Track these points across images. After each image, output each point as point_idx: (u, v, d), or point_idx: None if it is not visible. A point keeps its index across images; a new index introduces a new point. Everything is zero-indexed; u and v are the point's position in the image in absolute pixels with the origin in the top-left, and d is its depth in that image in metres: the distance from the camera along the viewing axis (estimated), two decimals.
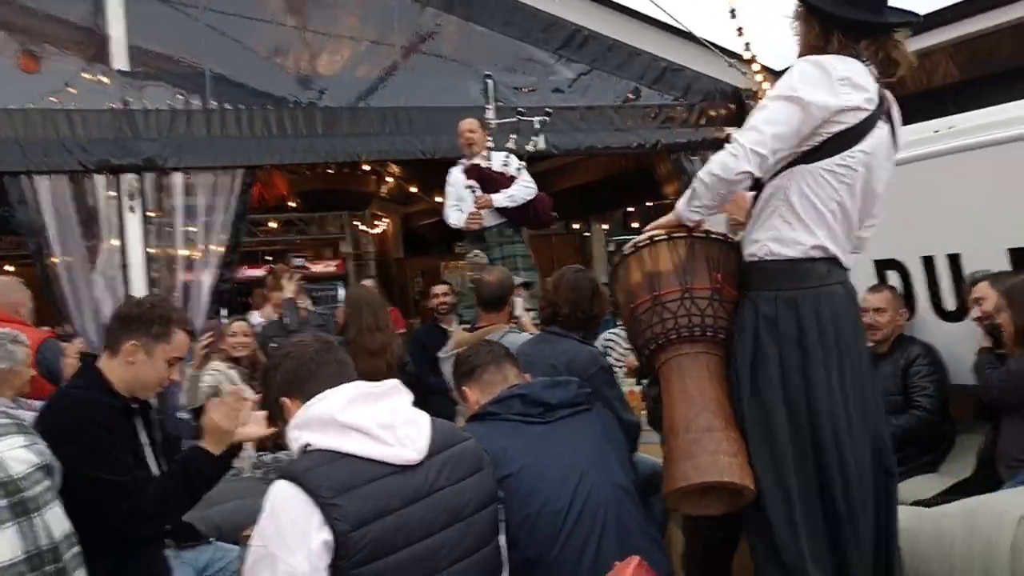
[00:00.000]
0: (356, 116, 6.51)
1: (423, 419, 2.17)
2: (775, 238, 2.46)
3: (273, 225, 10.14)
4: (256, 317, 6.30)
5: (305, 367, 2.18)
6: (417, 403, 2.24)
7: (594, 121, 7.16)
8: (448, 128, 6.39)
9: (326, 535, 1.88)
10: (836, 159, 2.37)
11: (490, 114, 5.82)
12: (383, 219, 12.64)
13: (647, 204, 10.71)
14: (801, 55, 2.50)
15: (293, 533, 1.90)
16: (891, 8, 2.47)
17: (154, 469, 2.68)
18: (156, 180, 5.98)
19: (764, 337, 2.46)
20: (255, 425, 2.57)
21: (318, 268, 10.13)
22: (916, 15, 2.49)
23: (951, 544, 2.48)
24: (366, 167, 10.02)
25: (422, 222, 11.84)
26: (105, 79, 6.02)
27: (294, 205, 10.58)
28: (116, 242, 5.85)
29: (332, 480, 1.93)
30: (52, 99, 5.86)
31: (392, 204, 12.74)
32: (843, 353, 2.42)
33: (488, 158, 5.70)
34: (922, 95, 6.74)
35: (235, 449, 2.60)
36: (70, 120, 5.74)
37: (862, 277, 4.29)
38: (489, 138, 5.76)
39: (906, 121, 4.92)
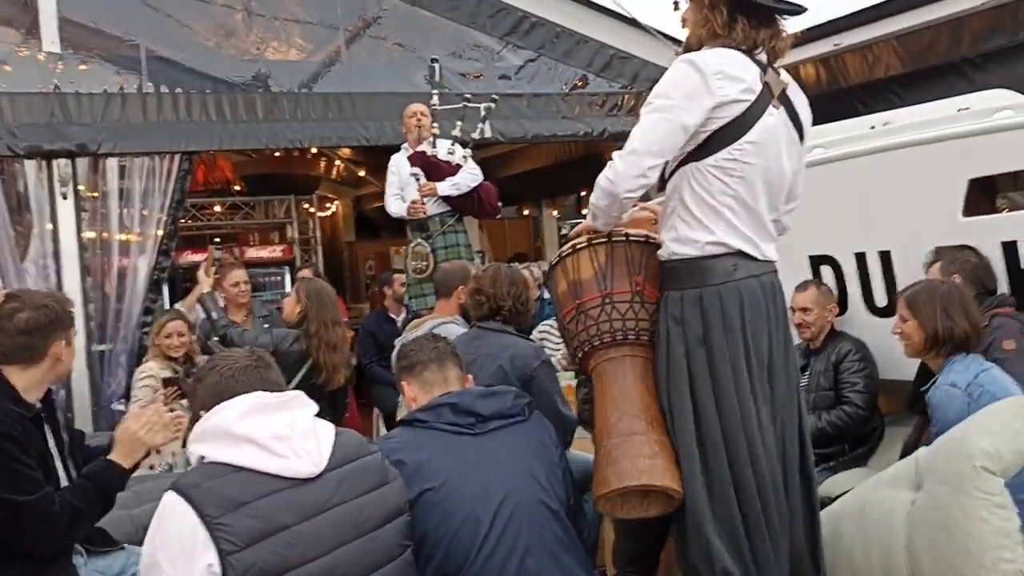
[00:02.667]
0: (298, 101, 6.39)
1: (324, 431, 2.13)
2: (675, 238, 2.49)
3: (218, 209, 9.96)
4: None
5: (227, 384, 2.13)
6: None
7: (541, 109, 7.12)
8: (392, 114, 6.31)
9: (211, 555, 1.84)
10: (723, 154, 2.38)
11: (436, 100, 5.74)
12: (334, 202, 12.48)
13: None
14: (688, 45, 2.50)
15: (178, 549, 1.87)
16: None
17: (62, 476, 2.62)
18: (90, 164, 5.82)
19: (673, 337, 2.48)
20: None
21: (264, 253, 9.96)
22: (801, 6, 2.51)
23: (850, 550, 2.52)
24: (313, 150, 9.87)
25: (373, 205, 11.71)
26: (41, 57, 5.84)
27: (239, 188, 10.40)
28: (48, 227, 5.69)
29: (221, 497, 1.89)
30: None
31: (343, 187, 12.57)
32: (752, 349, 2.43)
33: (433, 145, 5.63)
34: (865, 87, 6.85)
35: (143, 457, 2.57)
36: None
37: (797, 272, 4.34)
38: (435, 124, 5.69)
39: (848, 113, 5.01)
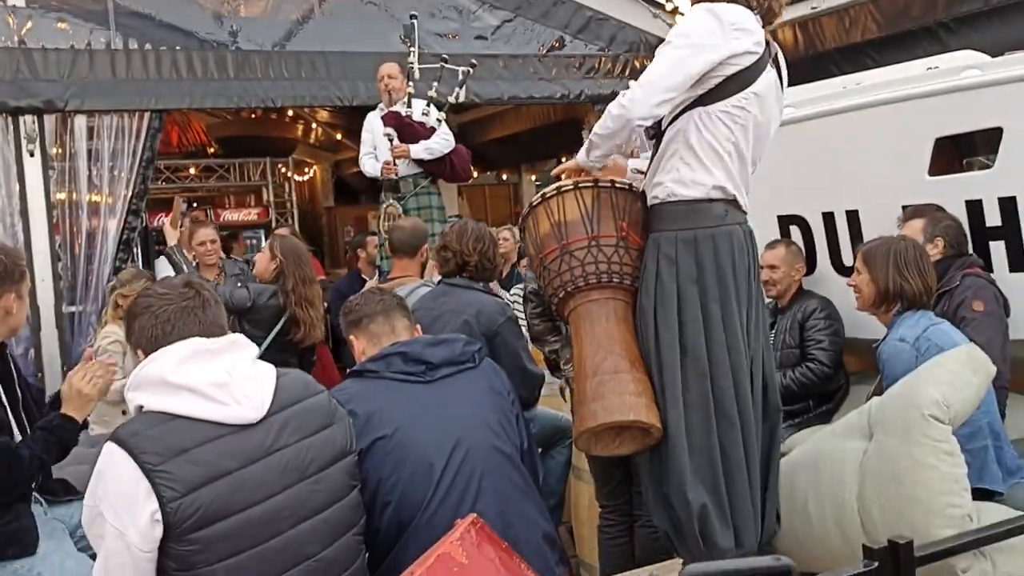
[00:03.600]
0: (270, 60, 6.30)
1: (265, 375, 2.11)
2: (676, 180, 2.53)
3: (192, 171, 9.86)
4: (164, 265, 6.12)
5: (161, 327, 2.07)
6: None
7: (518, 70, 7.06)
8: (366, 74, 6.24)
9: (153, 503, 1.83)
10: (731, 100, 2.45)
11: (413, 59, 5.66)
12: (312, 167, 12.39)
13: None
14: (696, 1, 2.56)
15: (120, 498, 1.86)
16: None
17: (15, 429, 2.62)
18: (58, 122, 5.74)
19: (664, 276, 2.52)
20: None
21: (239, 216, 9.90)
22: None
23: (804, 501, 2.54)
24: (290, 113, 9.78)
25: (352, 170, 11.62)
26: (6, 12, 5.73)
27: (214, 151, 10.30)
28: (15, 186, 5.62)
29: (161, 444, 1.87)
30: None
31: (321, 151, 12.49)
32: (738, 292, 2.50)
33: (408, 105, 5.58)
34: (841, 51, 6.84)
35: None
36: None
37: (766, 231, 4.35)
38: (410, 84, 5.63)
39: (825, 77, 4.99)
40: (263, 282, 4.61)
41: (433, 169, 5.50)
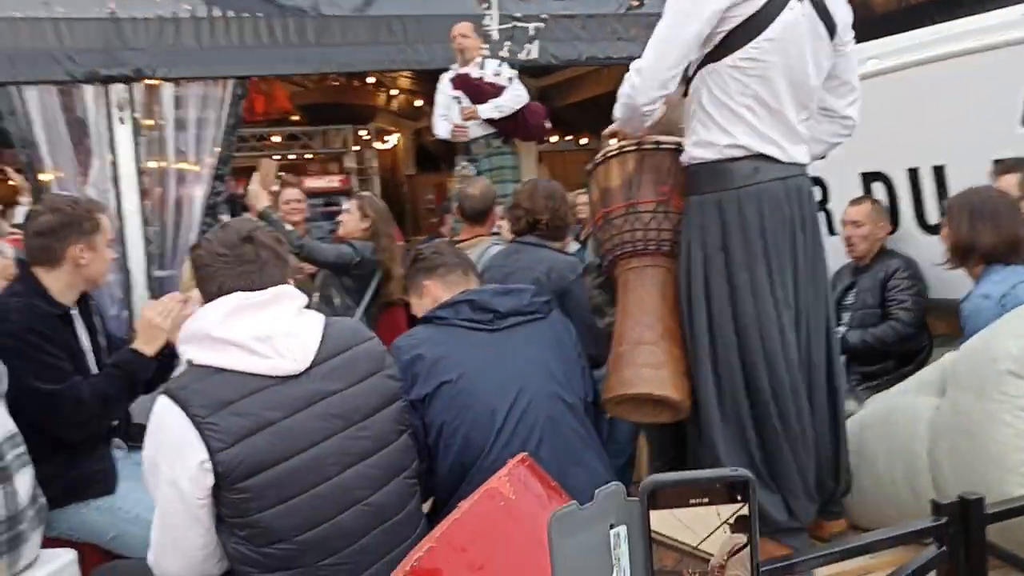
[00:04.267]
0: (347, 25, 6.35)
1: (311, 326, 2.14)
2: (695, 142, 2.46)
3: (276, 140, 10.08)
4: None
5: (210, 268, 2.13)
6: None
7: (596, 30, 6.91)
8: (443, 37, 6.23)
9: (203, 453, 1.90)
10: (739, 53, 2.33)
11: (488, 20, 5.65)
12: (393, 134, 12.50)
13: None
14: None
15: (172, 448, 1.94)
16: None
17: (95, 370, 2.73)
18: (145, 92, 5.93)
19: (693, 243, 2.46)
20: None
21: (322, 183, 10.09)
22: None
23: (874, 458, 2.47)
24: (371, 80, 9.87)
25: (432, 137, 11.71)
26: None
27: (297, 119, 10.49)
28: (108, 155, 5.84)
29: (207, 397, 1.94)
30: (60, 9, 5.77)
31: (402, 119, 12.58)
32: (774, 254, 2.38)
33: (482, 66, 5.58)
34: (934, 3, 6.53)
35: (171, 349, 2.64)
36: (57, 30, 5.67)
37: (848, 188, 4.22)
38: (485, 45, 5.62)
39: (919, 26, 4.78)
40: (352, 240, 4.70)
41: (505, 127, 5.50)
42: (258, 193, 4.69)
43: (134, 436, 2.91)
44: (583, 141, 12.38)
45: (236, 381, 1.99)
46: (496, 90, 5.41)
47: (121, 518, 2.59)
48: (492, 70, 5.53)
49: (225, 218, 8.92)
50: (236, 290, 2.09)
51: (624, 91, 2.43)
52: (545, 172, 11.92)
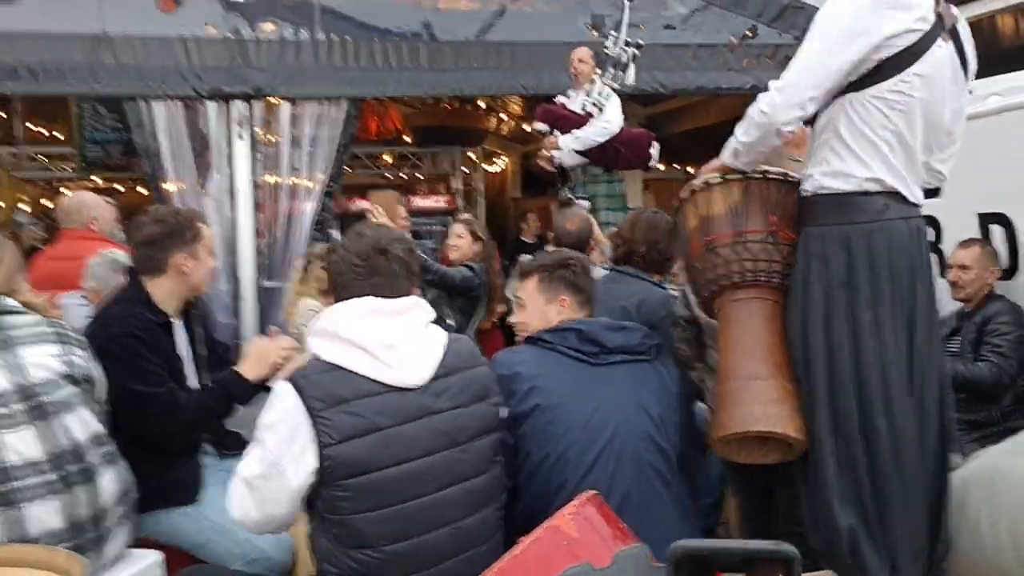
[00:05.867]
0: (459, 50, 6.48)
1: (435, 341, 2.17)
2: (827, 172, 2.35)
3: (388, 159, 10.33)
4: None
5: (344, 276, 2.19)
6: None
7: (707, 60, 6.86)
8: (550, 64, 6.30)
9: (311, 444, 1.95)
10: (887, 84, 2.25)
11: (610, 43, 5.63)
12: (501, 157, 12.63)
13: None
14: None
15: (284, 431, 2.00)
16: None
17: (194, 383, 2.83)
18: (264, 109, 6.17)
19: (812, 276, 2.35)
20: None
21: (428, 203, 10.26)
22: None
23: (976, 519, 2.32)
24: (481, 104, 10.01)
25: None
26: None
27: (408, 140, 10.72)
28: (226, 169, 6.09)
29: (326, 392, 1.99)
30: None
31: (511, 143, 12.70)
32: (897, 295, 2.28)
33: (588, 93, 5.57)
34: None
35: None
36: (186, 48, 5.98)
37: (964, 229, 4.02)
38: (598, 71, 5.60)
39: None
40: (465, 262, 4.79)
41: (595, 157, 5.45)
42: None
43: (226, 444, 3.00)
44: (690, 170, 12.22)
45: (355, 381, 2.04)
46: (583, 120, 5.36)
47: (207, 527, 2.67)
48: (594, 97, 5.49)
49: (335, 234, 9.19)
50: (361, 294, 2.15)
51: (759, 109, 2.35)
52: (651, 200, 11.81)
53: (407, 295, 2.21)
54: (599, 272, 4.03)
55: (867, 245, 2.29)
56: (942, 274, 3.99)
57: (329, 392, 2.00)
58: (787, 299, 2.47)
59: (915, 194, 2.37)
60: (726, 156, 2.55)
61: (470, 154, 10.93)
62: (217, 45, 6.04)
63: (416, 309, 2.20)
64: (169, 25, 6.06)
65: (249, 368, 2.75)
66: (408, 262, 2.22)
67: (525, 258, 3.53)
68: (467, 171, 10.80)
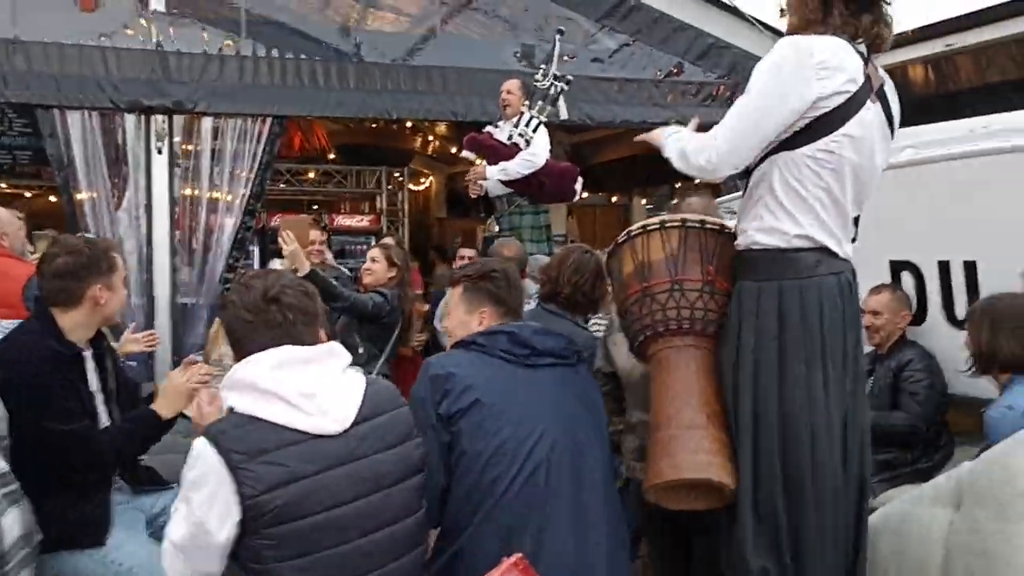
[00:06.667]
0: (389, 73, 6.46)
1: (353, 386, 2.14)
2: (760, 228, 2.39)
3: (312, 175, 10.21)
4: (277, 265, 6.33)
5: (238, 332, 2.14)
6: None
7: (633, 94, 7.02)
8: (482, 90, 6.34)
9: (234, 497, 1.91)
10: (819, 144, 2.29)
11: (540, 76, 5.65)
12: (428, 177, 12.62)
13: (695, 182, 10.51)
14: (791, 31, 2.41)
15: (205, 490, 1.95)
16: None
17: (103, 417, 2.73)
18: (185, 122, 6.03)
19: (744, 328, 2.38)
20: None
21: (352, 222, 10.17)
22: None
23: (885, 568, 2.39)
24: (409, 124, 9.99)
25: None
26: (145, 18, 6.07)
27: (333, 157, 10.62)
28: (143, 180, 5.92)
29: (245, 444, 1.95)
30: (104, 39, 5.91)
31: (437, 163, 12.70)
32: (828, 350, 2.32)
33: (516, 123, 5.58)
34: (977, 91, 6.51)
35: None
36: (105, 58, 5.80)
37: (876, 276, 4.16)
38: (526, 102, 5.62)
39: (957, 118, 4.78)
40: (379, 288, 4.69)
41: (520, 189, 5.46)
42: (297, 254, 4.34)
43: (140, 479, 2.90)
44: (614, 199, 12.42)
45: (275, 431, 2.00)
46: (510, 150, 5.38)
47: (113, 571, 2.56)
48: (522, 129, 5.50)
49: (255, 250, 8.99)
50: (266, 346, 2.10)
51: (699, 161, 2.38)
52: (574, 227, 11.96)
53: (314, 340, 2.18)
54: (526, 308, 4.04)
55: (799, 300, 2.32)
56: None
57: (249, 444, 1.96)
58: (719, 349, 2.50)
59: (845, 249, 2.42)
60: (672, 151, 2.52)
61: (395, 173, 10.88)
62: (137, 56, 5.89)
63: (331, 356, 2.17)
64: (88, 32, 5.88)
65: (164, 405, 2.67)
66: (303, 307, 2.17)
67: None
68: (392, 190, 10.73)
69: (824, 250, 2.36)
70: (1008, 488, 2.08)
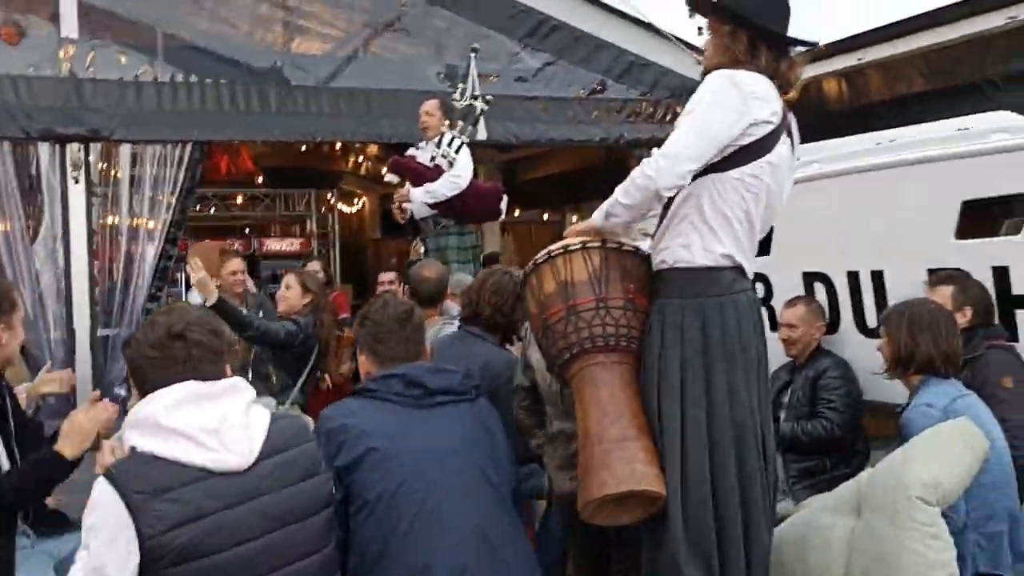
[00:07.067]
0: (311, 95, 6.42)
1: (258, 421, 2.11)
2: (685, 245, 2.49)
3: (240, 200, 10.07)
4: (196, 297, 6.22)
5: (141, 371, 2.10)
6: None
7: (557, 113, 7.08)
8: (406, 112, 6.29)
9: (133, 538, 1.86)
10: (746, 169, 2.42)
11: (457, 95, 5.68)
12: (360, 198, 12.54)
13: None
14: (714, 67, 2.51)
15: (106, 531, 1.90)
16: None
17: (3, 461, 2.65)
18: (103, 149, 5.91)
19: (668, 343, 2.47)
20: None
21: (282, 246, 10.07)
22: (815, 42, 2.64)
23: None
24: (339, 145, 9.92)
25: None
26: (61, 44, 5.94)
27: (261, 180, 10.50)
28: (59, 211, 5.78)
29: (146, 483, 1.91)
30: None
31: (370, 183, 12.62)
32: (747, 362, 2.45)
33: (439, 144, 5.59)
34: (887, 103, 6.72)
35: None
36: (15, 86, 5.65)
37: (790, 287, 4.26)
38: (446, 122, 5.63)
39: (869, 130, 4.91)
40: (294, 316, 4.62)
41: (444, 211, 5.47)
42: (205, 283, 4.24)
43: (47, 522, 2.82)
44: (545, 216, 12.48)
45: (178, 469, 1.95)
46: (435, 173, 5.38)
47: None
48: (444, 150, 5.51)
49: (181, 277, 8.79)
50: (170, 383, 2.05)
51: (644, 172, 2.42)
52: (509, 243, 11.98)
53: (219, 376, 2.13)
54: (449, 329, 4.03)
55: (720, 316, 2.44)
56: (773, 329, 4.20)
57: (150, 482, 1.90)
58: (640, 366, 2.57)
59: (750, 269, 2.58)
60: (597, 219, 2.62)
61: (326, 195, 10.80)
62: (50, 83, 5.75)
63: (235, 392, 2.13)
64: (12, 65, 5.72)
65: (67, 446, 2.58)
66: (210, 343, 2.14)
67: None
68: (323, 212, 10.65)
69: (739, 269, 2.50)
70: (901, 494, 2.15)
